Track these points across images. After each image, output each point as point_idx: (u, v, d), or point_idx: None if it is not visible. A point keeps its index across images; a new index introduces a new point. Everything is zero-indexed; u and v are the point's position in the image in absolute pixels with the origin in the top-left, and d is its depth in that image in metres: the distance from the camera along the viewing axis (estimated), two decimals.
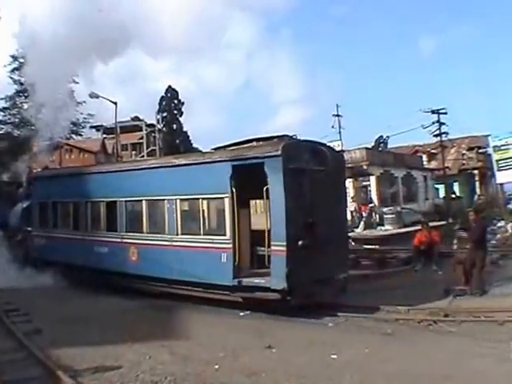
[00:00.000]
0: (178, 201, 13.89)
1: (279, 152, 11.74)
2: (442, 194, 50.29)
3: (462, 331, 10.68)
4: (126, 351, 9.09)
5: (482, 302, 12.96)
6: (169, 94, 74.99)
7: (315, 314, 12.16)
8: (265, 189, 11.81)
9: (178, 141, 73.26)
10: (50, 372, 7.85)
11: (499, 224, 30.43)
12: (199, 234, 13.37)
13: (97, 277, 16.33)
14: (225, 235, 12.66)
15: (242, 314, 12.52)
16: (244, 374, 7.82)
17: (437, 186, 51.06)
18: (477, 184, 54.66)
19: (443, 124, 44.65)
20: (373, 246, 25.71)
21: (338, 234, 13.27)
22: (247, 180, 12.84)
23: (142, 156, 63.56)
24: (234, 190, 12.34)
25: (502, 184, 38.34)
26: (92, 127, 68.02)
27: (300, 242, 11.57)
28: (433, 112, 44.56)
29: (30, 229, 20.46)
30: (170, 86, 76.01)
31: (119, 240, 15.55)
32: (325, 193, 12.57)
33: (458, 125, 47.04)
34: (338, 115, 48.84)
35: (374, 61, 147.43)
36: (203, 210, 13.50)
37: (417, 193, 46.90)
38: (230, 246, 12.45)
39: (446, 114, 44.72)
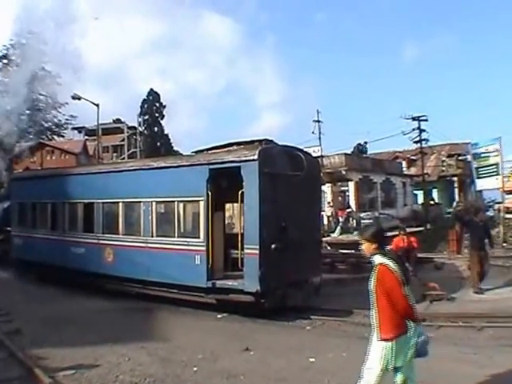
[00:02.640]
0: (154, 203, 13.98)
1: (256, 157, 11.84)
2: (420, 200, 50.75)
3: (440, 336, 10.61)
4: (106, 352, 9.08)
5: (459, 307, 13.05)
6: (151, 97, 74.74)
7: (292, 317, 12.28)
8: (240, 192, 11.95)
9: (159, 143, 72.98)
10: (30, 372, 7.83)
11: None
12: (173, 236, 13.47)
13: (74, 277, 16.35)
14: (199, 238, 12.77)
15: (219, 316, 12.57)
16: (222, 376, 7.83)
17: (416, 192, 51.53)
18: (456, 191, 55.14)
19: (423, 131, 45.04)
20: (349, 251, 25.84)
21: (312, 238, 13.47)
22: (223, 184, 13.03)
23: (123, 158, 63.53)
24: (209, 193, 12.47)
25: (480, 191, 38.82)
26: (74, 129, 67.96)
27: (273, 246, 11.72)
28: (413, 119, 44.92)
29: (9, 229, 20.47)
30: (151, 89, 76.00)
31: (96, 241, 15.58)
32: (299, 197, 12.74)
33: (438, 132, 47.66)
34: (318, 121, 49.08)
35: (356, 67, 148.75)
36: (178, 213, 13.57)
37: (395, 198, 47.30)
38: (204, 248, 12.56)
39: (426, 120, 45.15)
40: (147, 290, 14.05)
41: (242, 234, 12.13)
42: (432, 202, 49.77)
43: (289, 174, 12.62)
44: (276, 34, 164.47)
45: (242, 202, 12.06)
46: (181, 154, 37.99)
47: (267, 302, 11.89)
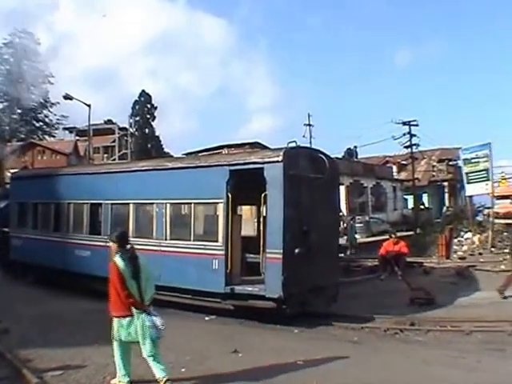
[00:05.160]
0: (168, 205, 13.51)
1: (280, 158, 11.49)
2: (410, 204, 50.88)
3: (429, 340, 10.86)
4: (93, 353, 8.94)
5: (448, 311, 13.13)
6: (142, 99, 74.33)
7: (281, 320, 11.95)
8: (263, 195, 11.62)
9: (149, 145, 72.65)
10: (18, 372, 7.83)
11: (466, 236, 30.83)
12: (189, 240, 13.00)
13: (76, 280, 15.87)
14: (217, 241, 12.36)
15: (207, 318, 12.43)
16: (210, 377, 7.83)
17: (406, 196, 51.69)
18: (446, 196, 55.42)
19: (414, 136, 45.19)
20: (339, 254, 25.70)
21: (331, 242, 13.28)
22: (238, 186, 12.63)
23: (114, 159, 63.07)
24: (229, 195, 12.11)
25: (470, 196, 38.86)
26: (65, 129, 67.62)
27: (296, 250, 11.42)
28: (404, 123, 45.12)
29: (7, 230, 19.95)
30: (143, 91, 75.63)
31: (103, 244, 15.05)
32: (320, 200, 12.50)
33: (429, 137, 47.91)
34: (309, 124, 49.08)
35: (348, 71, 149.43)
36: (195, 215, 13.13)
37: (386, 203, 47.39)
38: (223, 252, 12.15)
39: (417, 125, 45.36)
40: (158, 295, 13.56)
41: (264, 238, 11.82)
42: (422, 207, 49.97)
43: (311, 176, 12.32)
44: (269, 37, 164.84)
45: (265, 204, 11.74)
46: (171, 156, 37.71)
47: (288, 308, 11.56)
